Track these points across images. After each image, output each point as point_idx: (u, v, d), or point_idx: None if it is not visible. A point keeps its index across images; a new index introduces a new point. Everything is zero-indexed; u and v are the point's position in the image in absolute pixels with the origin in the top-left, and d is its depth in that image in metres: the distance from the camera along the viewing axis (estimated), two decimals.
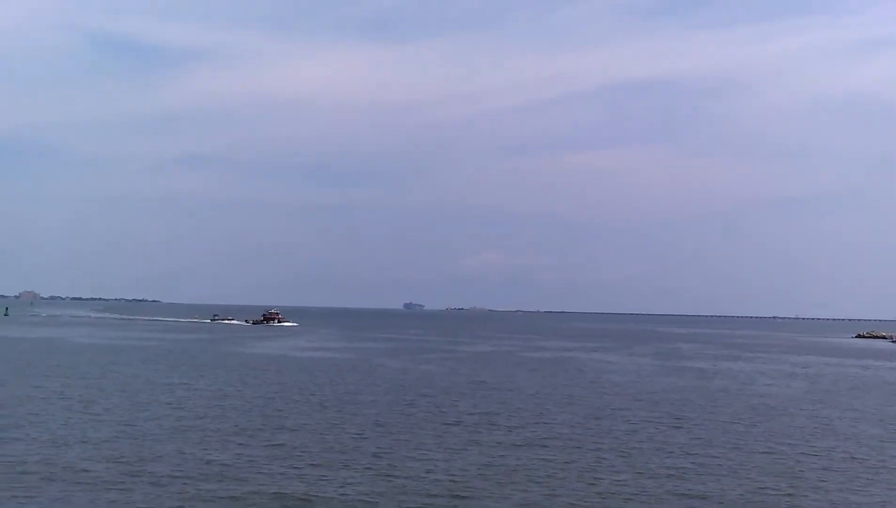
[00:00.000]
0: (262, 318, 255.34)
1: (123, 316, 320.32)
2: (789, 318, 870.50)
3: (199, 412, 53.85)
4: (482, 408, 59.00)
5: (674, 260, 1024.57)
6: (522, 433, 48.65)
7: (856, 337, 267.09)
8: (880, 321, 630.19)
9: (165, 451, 40.46)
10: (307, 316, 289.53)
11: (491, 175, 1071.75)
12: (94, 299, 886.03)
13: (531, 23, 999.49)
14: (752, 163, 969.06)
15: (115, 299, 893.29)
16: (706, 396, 71.68)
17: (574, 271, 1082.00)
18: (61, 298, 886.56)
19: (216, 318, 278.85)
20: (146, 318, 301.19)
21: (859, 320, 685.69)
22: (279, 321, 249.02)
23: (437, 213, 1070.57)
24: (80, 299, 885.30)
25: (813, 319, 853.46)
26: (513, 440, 46.32)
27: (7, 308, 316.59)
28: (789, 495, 35.29)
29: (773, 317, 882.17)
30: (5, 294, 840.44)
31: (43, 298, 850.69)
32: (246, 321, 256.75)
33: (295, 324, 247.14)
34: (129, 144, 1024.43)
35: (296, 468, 37.77)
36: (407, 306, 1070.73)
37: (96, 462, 37.78)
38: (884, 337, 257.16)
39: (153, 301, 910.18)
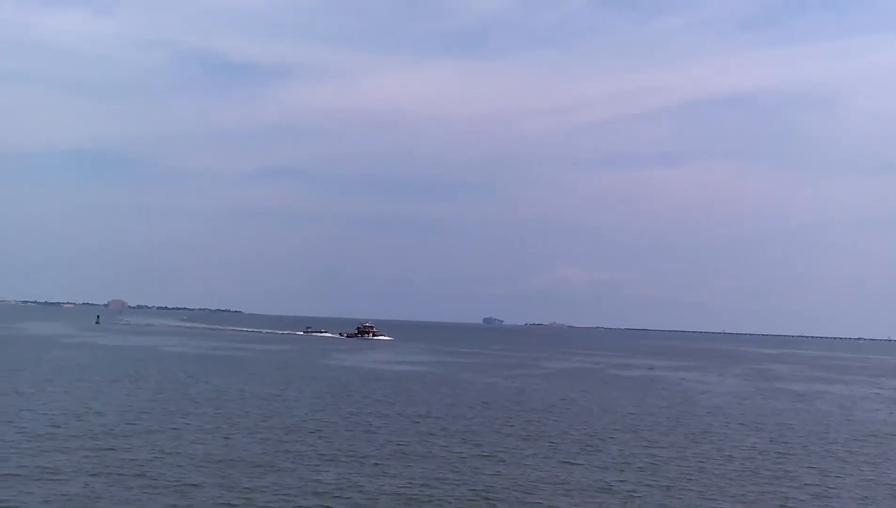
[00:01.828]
0: (356, 331, 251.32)
1: (210, 326, 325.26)
2: (879, 340, 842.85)
3: (310, 426, 53.33)
4: (579, 428, 57.21)
5: (759, 278, 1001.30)
6: (627, 457, 46.78)
7: None
8: None
9: (281, 464, 39.92)
10: (391, 329, 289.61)
11: (573, 190, 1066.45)
12: (180, 308, 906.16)
13: (618, 37, 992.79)
14: (838, 179, 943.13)
15: (200, 309, 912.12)
16: (810, 421, 68.57)
17: (655, 288, 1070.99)
18: (148, 307, 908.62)
19: (309, 330, 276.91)
20: (233, 328, 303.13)
21: None
22: (374, 335, 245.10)
23: (517, 227, 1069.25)
24: (165, 308, 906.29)
25: None
26: (618, 463, 44.54)
27: (98, 316, 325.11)
28: None
29: (858, 338, 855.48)
30: (94, 302, 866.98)
31: (130, 307, 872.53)
32: (340, 334, 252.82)
33: (390, 338, 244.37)
34: (216, 157, 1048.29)
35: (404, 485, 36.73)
36: (486, 320, 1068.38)
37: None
38: None
39: (235, 312, 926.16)
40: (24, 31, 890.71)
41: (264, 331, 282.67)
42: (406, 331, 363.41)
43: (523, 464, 43.05)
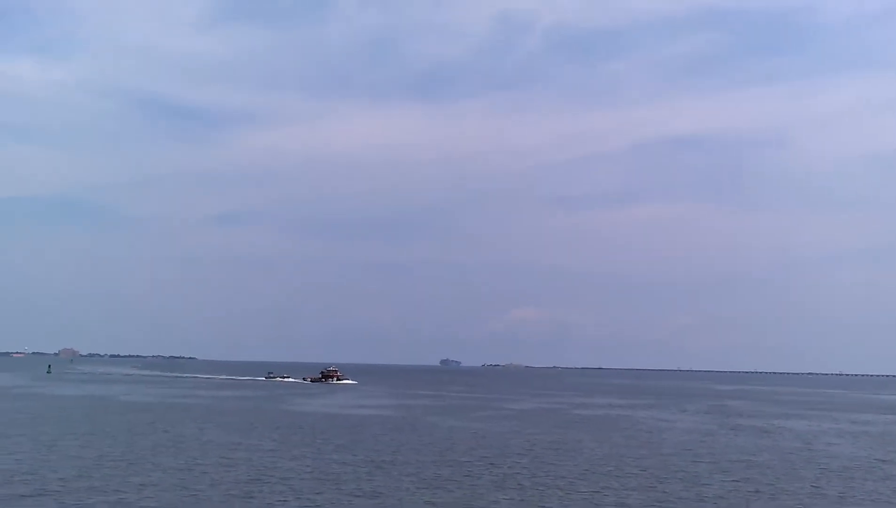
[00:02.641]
0: (320, 376, 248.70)
1: (166, 373, 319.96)
2: (832, 374, 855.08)
3: (275, 473, 52.19)
4: (547, 472, 56.73)
5: (713, 316, 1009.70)
6: (598, 499, 46.40)
7: None
8: None
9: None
10: (349, 373, 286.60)
11: (529, 231, 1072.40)
12: (132, 355, 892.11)
13: (572, 81, 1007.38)
14: (799, 217, 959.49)
15: (153, 356, 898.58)
16: (776, 457, 68.73)
17: (610, 327, 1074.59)
18: (100, 355, 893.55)
19: (271, 376, 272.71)
20: (190, 375, 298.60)
21: None
22: (338, 379, 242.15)
23: (474, 268, 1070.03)
24: (118, 355, 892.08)
25: (859, 375, 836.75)
26: (590, 506, 44.13)
27: (50, 366, 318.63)
28: None
29: (809, 373, 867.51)
30: (45, 351, 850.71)
31: (82, 355, 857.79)
32: (304, 379, 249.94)
33: (354, 382, 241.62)
34: (171, 203, 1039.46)
35: None
36: (443, 362, 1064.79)
37: None
38: None
39: (189, 358, 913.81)
40: None
41: (224, 377, 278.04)
42: (365, 375, 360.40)
43: None
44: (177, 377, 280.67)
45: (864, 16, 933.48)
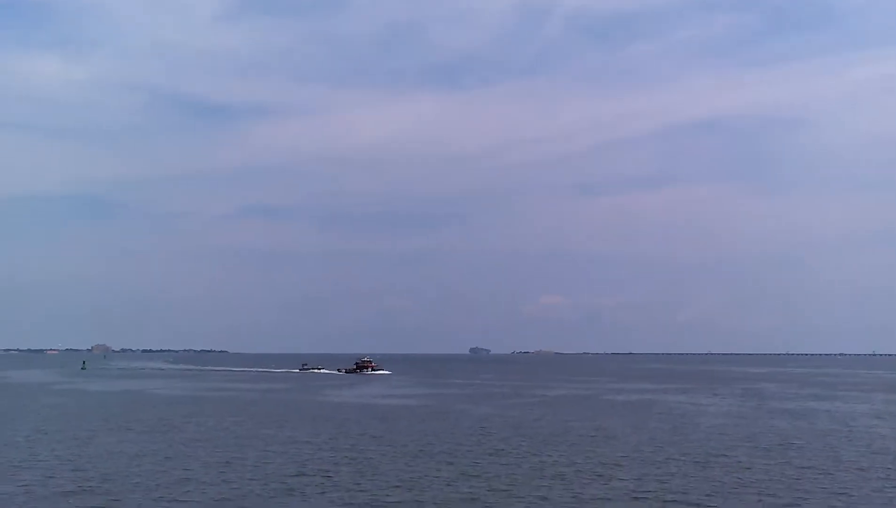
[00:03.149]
0: (354, 367, 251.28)
1: (199, 367, 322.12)
2: (862, 355, 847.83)
3: (314, 465, 52.37)
4: (586, 458, 56.49)
5: (742, 298, 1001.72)
6: (641, 485, 46.13)
7: None
8: None
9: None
10: (383, 363, 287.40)
11: (555, 218, 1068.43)
12: (164, 350, 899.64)
13: (593, 65, 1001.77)
14: (824, 199, 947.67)
15: (184, 350, 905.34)
16: (815, 440, 68.06)
17: (639, 311, 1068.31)
18: (132, 350, 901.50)
19: (306, 367, 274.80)
20: (224, 368, 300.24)
21: None
22: (372, 370, 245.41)
23: (500, 256, 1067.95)
24: (150, 350, 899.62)
25: (891, 355, 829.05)
26: (631, 492, 43.90)
27: (84, 362, 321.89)
28: None
29: (840, 354, 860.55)
30: (78, 348, 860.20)
31: (114, 350, 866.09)
32: (338, 370, 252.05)
33: (388, 372, 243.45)
34: (196, 198, 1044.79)
35: None
36: (473, 350, 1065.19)
37: None
38: None
39: (220, 351, 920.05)
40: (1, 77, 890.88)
41: (259, 370, 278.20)
42: (397, 365, 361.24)
43: (538, 499, 42.36)
44: (210, 370, 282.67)
45: None
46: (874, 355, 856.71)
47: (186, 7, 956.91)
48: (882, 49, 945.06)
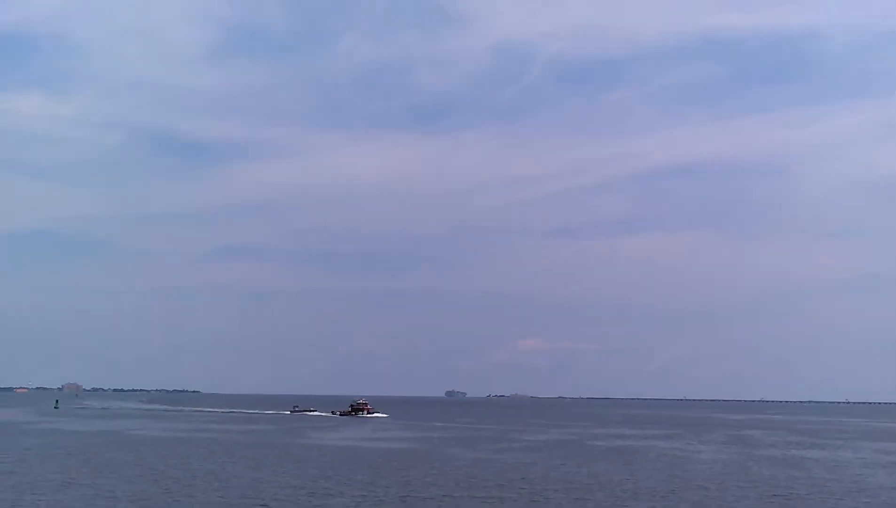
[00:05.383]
0: (349, 409, 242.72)
1: (174, 407, 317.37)
2: (839, 402, 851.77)
3: None
4: (583, 505, 55.47)
5: (717, 344, 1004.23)
6: None
7: None
8: None
9: None
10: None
11: (531, 262, 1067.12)
12: (136, 390, 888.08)
13: (572, 110, 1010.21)
14: (799, 245, 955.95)
15: (157, 390, 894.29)
16: (815, 491, 67.44)
17: (616, 357, 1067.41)
18: (103, 389, 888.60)
19: (297, 409, 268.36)
20: (202, 409, 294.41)
21: None
22: (368, 412, 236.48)
23: (477, 299, 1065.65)
24: (121, 390, 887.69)
25: (865, 403, 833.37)
26: None
27: (57, 401, 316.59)
28: None
29: (809, 401, 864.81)
30: (48, 386, 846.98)
31: (86, 389, 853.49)
32: (332, 413, 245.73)
33: (385, 415, 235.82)
34: (173, 237, 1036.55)
35: None
36: (449, 393, 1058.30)
37: None
38: None
39: (193, 391, 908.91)
40: None
41: (249, 411, 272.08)
42: (382, 406, 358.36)
43: None
44: (190, 410, 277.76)
45: (861, 45, 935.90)
46: (847, 402, 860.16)
47: (168, 45, 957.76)
48: (854, 100, 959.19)
